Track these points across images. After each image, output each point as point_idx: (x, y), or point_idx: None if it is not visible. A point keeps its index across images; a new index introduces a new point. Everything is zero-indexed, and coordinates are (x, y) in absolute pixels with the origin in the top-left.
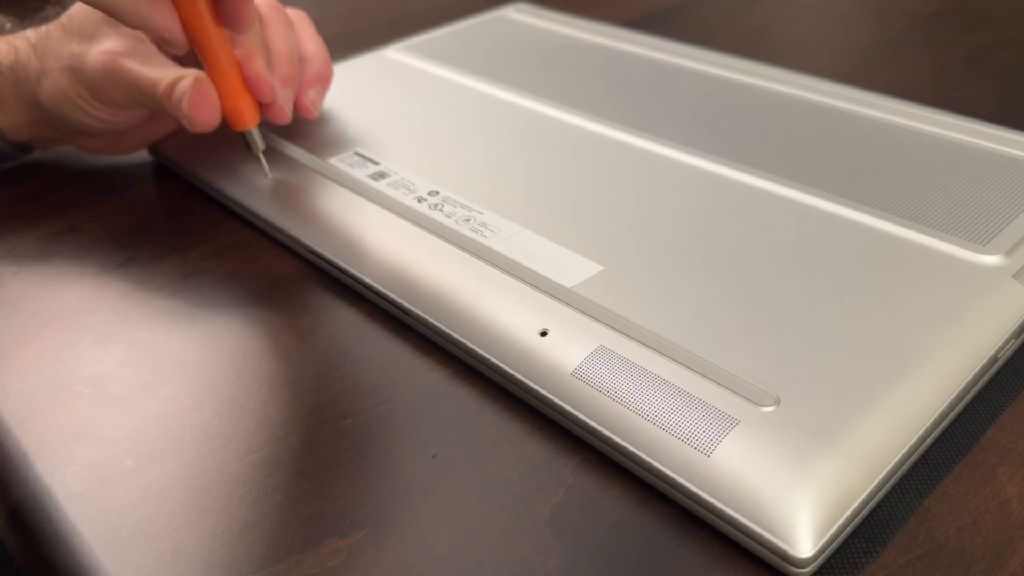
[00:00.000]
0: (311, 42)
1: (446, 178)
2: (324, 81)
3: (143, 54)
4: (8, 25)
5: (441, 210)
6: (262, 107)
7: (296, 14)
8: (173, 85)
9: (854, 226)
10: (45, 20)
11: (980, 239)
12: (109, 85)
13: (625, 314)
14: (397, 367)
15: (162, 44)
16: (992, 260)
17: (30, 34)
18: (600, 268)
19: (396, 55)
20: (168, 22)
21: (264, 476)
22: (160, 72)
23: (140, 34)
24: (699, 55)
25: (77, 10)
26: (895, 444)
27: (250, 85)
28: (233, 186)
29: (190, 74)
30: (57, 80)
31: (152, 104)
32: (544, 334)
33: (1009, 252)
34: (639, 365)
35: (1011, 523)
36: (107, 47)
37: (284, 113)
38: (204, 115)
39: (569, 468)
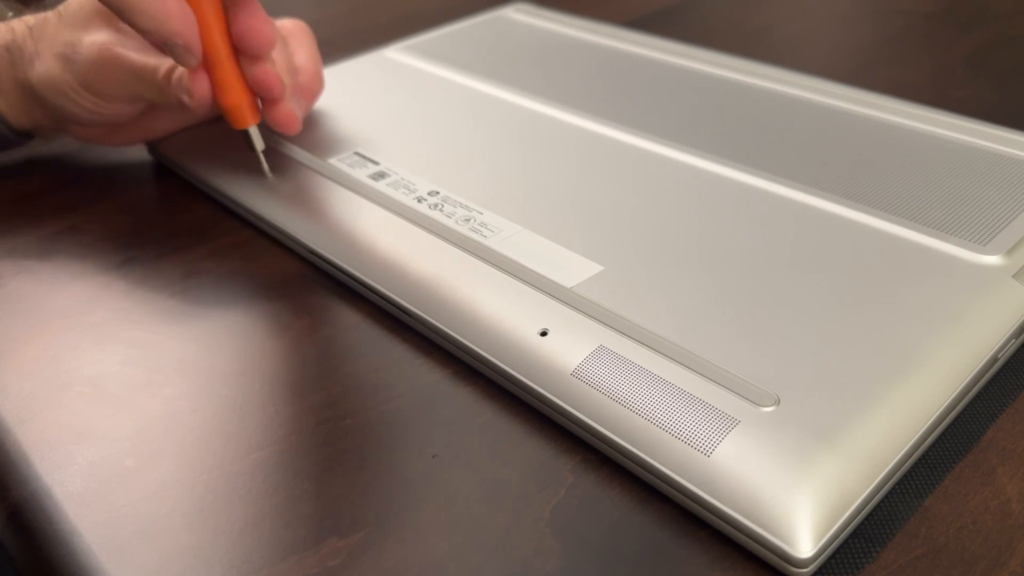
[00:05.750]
0: (303, 54)
1: (446, 178)
2: (309, 94)
3: (136, 45)
4: (11, 14)
5: (441, 210)
6: (268, 115)
7: (296, 25)
8: (173, 68)
9: (854, 226)
10: (45, 8)
11: (980, 239)
12: (103, 75)
13: (625, 314)
14: (397, 367)
15: (170, 51)
16: (992, 260)
17: (28, 17)
18: (600, 268)
19: (396, 55)
20: (183, 27)
21: (264, 476)
22: (158, 59)
23: (131, 29)
24: (699, 55)
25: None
26: (895, 444)
27: (258, 80)
28: (233, 186)
29: None
30: (49, 66)
31: (151, 91)
32: (544, 334)
33: (1009, 252)
34: (639, 365)
35: (1011, 523)
36: (99, 38)
37: (292, 117)
38: (204, 87)
39: (569, 468)
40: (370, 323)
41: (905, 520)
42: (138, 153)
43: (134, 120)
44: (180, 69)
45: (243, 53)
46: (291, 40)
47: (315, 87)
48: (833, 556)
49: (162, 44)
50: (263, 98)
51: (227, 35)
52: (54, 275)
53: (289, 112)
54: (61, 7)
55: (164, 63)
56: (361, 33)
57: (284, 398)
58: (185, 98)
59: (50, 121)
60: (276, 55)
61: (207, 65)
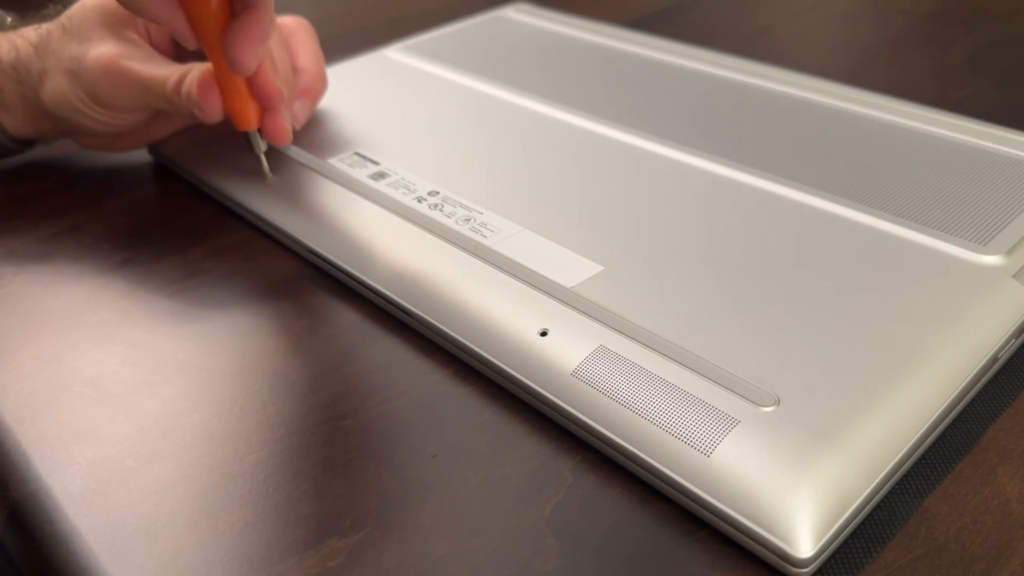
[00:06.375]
0: (306, 55)
1: (446, 178)
2: (312, 95)
3: (142, 55)
4: (9, 19)
5: (441, 210)
6: (264, 122)
7: (298, 24)
8: (182, 80)
9: (854, 226)
10: (46, 18)
11: (980, 239)
12: (111, 88)
13: (625, 314)
14: (397, 367)
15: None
16: (992, 260)
17: (31, 34)
18: (600, 268)
19: (396, 55)
20: (165, 15)
21: (264, 476)
22: (166, 69)
23: (136, 37)
24: (699, 55)
25: (75, 10)
26: (895, 444)
27: (259, 90)
28: (233, 186)
29: (196, 67)
30: (57, 82)
31: (160, 102)
32: (544, 334)
33: (1009, 252)
34: (639, 365)
35: (1011, 523)
36: (105, 50)
37: (283, 130)
38: (215, 102)
39: (569, 468)
40: (370, 323)
41: (905, 520)
42: (138, 153)
43: (140, 126)
44: (188, 82)
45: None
46: (293, 40)
47: (319, 87)
48: (833, 556)
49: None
50: (268, 106)
51: None
52: (54, 275)
53: (280, 125)
54: (64, 19)
55: (172, 74)
56: (361, 33)
57: (284, 398)
58: (197, 112)
59: (56, 131)
60: (277, 58)
61: (214, 68)
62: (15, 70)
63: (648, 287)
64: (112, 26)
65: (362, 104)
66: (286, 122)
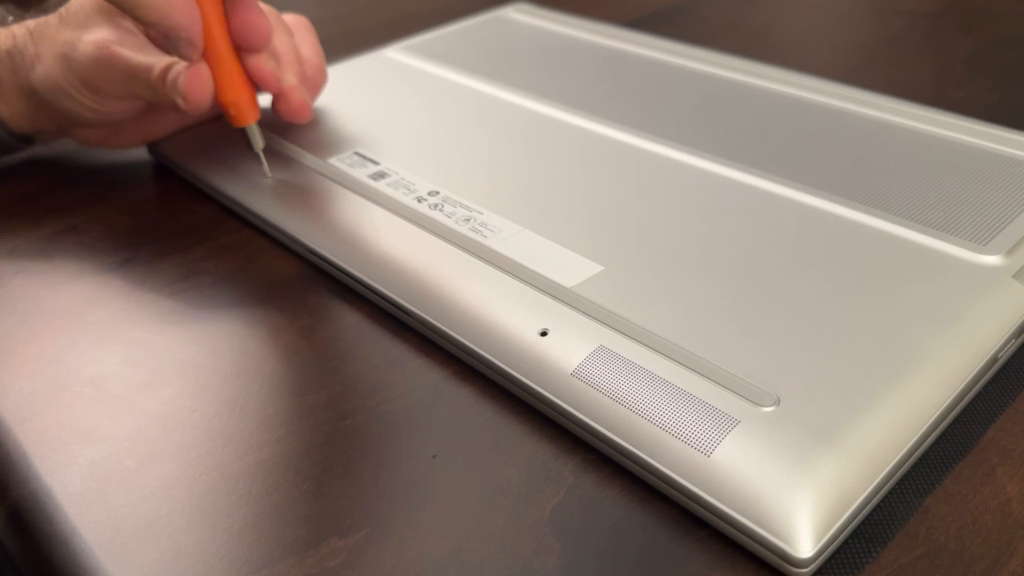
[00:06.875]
0: (306, 48)
1: (446, 178)
2: (313, 87)
3: (135, 43)
4: (11, 18)
5: (441, 210)
6: (277, 103)
7: (297, 20)
8: (168, 69)
9: (854, 226)
10: (46, 12)
11: (980, 239)
12: (101, 73)
13: (625, 314)
14: (397, 367)
15: (172, 45)
16: (992, 260)
17: (29, 22)
18: (600, 268)
19: (396, 55)
20: (187, 20)
21: (264, 476)
22: (154, 58)
23: (131, 26)
24: (699, 55)
25: (73, 2)
26: (895, 444)
27: (256, 77)
28: (233, 186)
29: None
30: (50, 67)
31: (146, 91)
32: (544, 334)
33: (1009, 252)
34: (639, 365)
35: (1011, 523)
36: (98, 36)
37: (304, 105)
38: (199, 92)
39: (569, 468)
40: (370, 323)
41: (905, 520)
42: (138, 153)
43: (136, 120)
44: (174, 71)
45: (241, 47)
46: (294, 34)
47: (319, 80)
48: (833, 556)
49: (164, 38)
50: (268, 92)
51: (226, 32)
52: (54, 275)
53: (300, 100)
54: (63, 9)
55: (159, 63)
56: (361, 33)
57: (284, 398)
58: (179, 101)
59: (52, 125)
60: (283, 44)
61: (208, 62)
62: (11, 57)
63: (648, 287)
64: (108, 13)
65: (362, 104)
66: (305, 97)
